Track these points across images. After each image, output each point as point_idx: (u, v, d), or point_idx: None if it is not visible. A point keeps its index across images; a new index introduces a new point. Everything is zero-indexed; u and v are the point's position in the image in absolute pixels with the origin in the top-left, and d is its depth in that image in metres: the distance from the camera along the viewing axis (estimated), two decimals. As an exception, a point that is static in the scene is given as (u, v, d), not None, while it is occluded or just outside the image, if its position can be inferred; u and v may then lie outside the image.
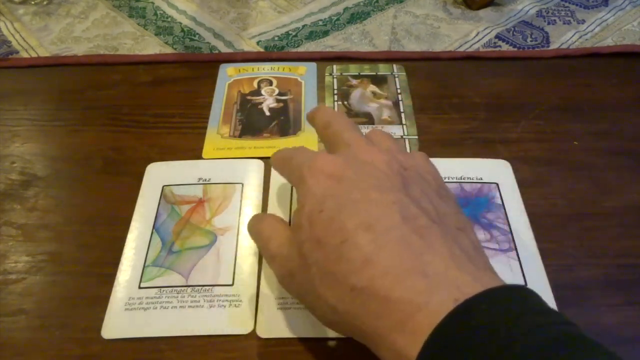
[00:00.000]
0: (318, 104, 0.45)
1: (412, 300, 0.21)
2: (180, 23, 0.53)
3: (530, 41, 0.50)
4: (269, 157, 0.39)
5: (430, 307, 0.20)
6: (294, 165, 0.28)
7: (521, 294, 0.21)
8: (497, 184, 0.38)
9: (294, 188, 0.38)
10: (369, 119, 0.43)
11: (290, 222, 0.36)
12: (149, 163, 0.40)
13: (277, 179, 0.38)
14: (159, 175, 0.39)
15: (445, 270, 0.21)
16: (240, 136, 0.42)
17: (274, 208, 0.37)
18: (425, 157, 0.29)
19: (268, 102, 0.45)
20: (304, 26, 0.52)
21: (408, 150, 0.41)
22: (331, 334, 0.30)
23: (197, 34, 0.52)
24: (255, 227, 0.30)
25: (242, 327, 0.31)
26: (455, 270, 0.21)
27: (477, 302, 0.20)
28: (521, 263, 0.33)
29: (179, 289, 0.32)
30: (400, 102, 0.44)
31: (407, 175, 0.26)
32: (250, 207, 0.37)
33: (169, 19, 0.54)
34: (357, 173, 0.25)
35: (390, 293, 0.21)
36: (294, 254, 0.25)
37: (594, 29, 0.51)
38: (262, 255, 0.29)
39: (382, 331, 0.21)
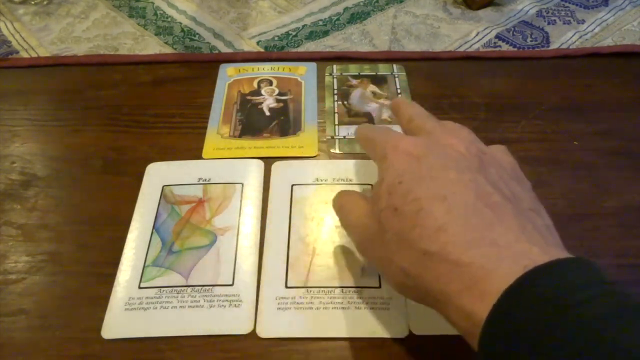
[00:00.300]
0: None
1: (482, 265, 0.22)
2: (180, 23, 0.53)
3: (530, 41, 0.50)
4: (269, 157, 0.40)
5: (500, 271, 0.21)
6: (378, 142, 0.29)
7: (588, 266, 0.21)
8: (497, 184, 0.38)
9: (294, 195, 0.38)
10: (369, 119, 0.43)
11: (289, 222, 0.36)
12: (149, 163, 0.40)
13: (277, 179, 0.38)
14: (159, 175, 0.39)
15: (516, 242, 0.22)
16: (240, 136, 0.42)
17: (274, 208, 0.37)
18: (504, 148, 0.30)
19: (268, 102, 0.45)
20: (304, 26, 0.52)
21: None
22: (330, 334, 0.30)
23: (197, 34, 0.52)
24: (338, 202, 0.32)
25: (242, 327, 0.31)
26: (525, 243, 0.22)
27: (545, 270, 0.20)
28: (521, 263, 0.33)
29: (179, 289, 0.32)
30: (400, 102, 0.44)
31: (485, 159, 0.27)
32: (250, 207, 0.37)
33: (169, 19, 0.54)
34: (437, 154, 0.26)
35: (461, 257, 0.22)
36: (372, 223, 0.27)
37: (594, 29, 0.51)
38: (343, 226, 0.31)
39: (451, 294, 0.22)
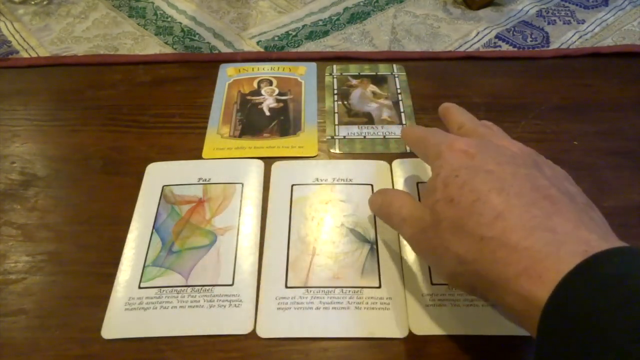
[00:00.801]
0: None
1: (541, 249, 0.22)
2: (180, 23, 0.53)
3: (530, 41, 0.50)
4: (269, 157, 0.40)
5: (560, 255, 0.21)
6: (431, 143, 0.30)
7: None
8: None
9: (294, 195, 0.38)
10: (369, 119, 0.43)
11: (289, 222, 0.36)
12: (149, 163, 0.40)
13: (277, 179, 0.38)
14: (159, 175, 0.39)
15: (574, 229, 0.22)
16: (240, 136, 0.42)
17: (274, 208, 0.37)
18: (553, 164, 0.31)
19: (268, 102, 0.45)
20: (304, 26, 0.52)
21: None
22: (330, 334, 0.30)
23: (197, 34, 0.52)
24: (385, 200, 0.32)
25: (242, 327, 0.31)
26: (584, 231, 0.22)
27: (606, 256, 0.20)
28: (521, 263, 0.33)
29: (179, 289, 0.32)
30: (400, 102, 0.44)
31: (539, 159, 0.28)
32: (250, 207, 0.37)
33: (169, 19, 0.54)
34: (492, 152, 0.27)
35: (520, 242, 0.22)
36: (424, 214, 0.27)
37: (594, 29, 0.51)
38: (392, 222, 0.31)
39: (509, 277, 0.22)
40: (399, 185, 0.38)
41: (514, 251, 0.22)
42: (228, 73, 0.47)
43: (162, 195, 0.37)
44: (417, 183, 0.38)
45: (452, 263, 0.25)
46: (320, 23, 0.53)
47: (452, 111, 0.34)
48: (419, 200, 0.37)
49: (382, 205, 0.32)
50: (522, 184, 0.25)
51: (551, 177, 0.26)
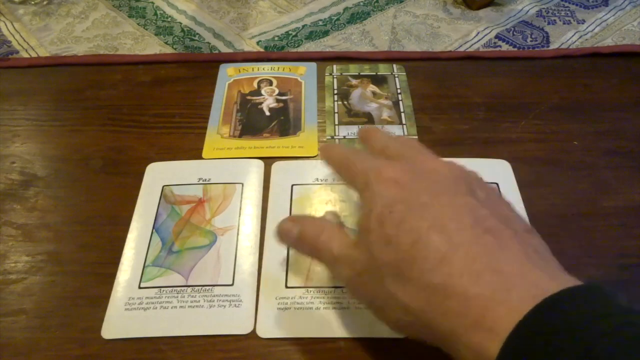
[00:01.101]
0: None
1: (490, 296, 0.21)
2: (180, 23, 0.53)
3: (530, 41, 0.50)
4: (269, 157, 0.40)
5: (509, 303, 0.20)
6: (358, 170, 0.28)
7: (601, 293, 0.20)
8: (497, 184, 0.38)
9: (294, 195, 0.38)
10: (369, 119, 0.43)
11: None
12: (149, 163, 0.40)
13: (277, 179, 0.38)
14: (159, 175, 0.39)
15: (521, 268, 0.21)
16: (240, 136, 0.42)
17: (274, 208, 0.37)
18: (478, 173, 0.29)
19: (268, 102, 0.45)
20: (304, 26, 0.52)
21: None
22: (331, 334, 0.30)
23: (197, 34, 0.52)
24: (308, 231, 0.28)
25: (242, 327, 0.31)
26: (531, 269, 0.21)
27: (558, 300, 0.19)
28: (521, 263, 0.33)
29: (179, 289, 0.32)
30: (400, 102, 0.44)
31: (469, 180, 0.27)
32: (250, 207, 0.37)
33: (169, 19, 0.54)
34: (424, 179, 0.26)
35: (468, 289, 0.21)
36: (360, 256, 0.25)
37: (594, 29, 0.51)
38: (321, 258, 0.28)
39: (459, 329, 0.21)
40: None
41: (463, 300, 0.21)
42: (228, 73, 0.47)
43: (162, 195, 0.37)
44: (417, 183, 0.38)
45: (398, 313, 0.23)
46: (320, 23, 0.53)
47: (372, 133, 0.32)
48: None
49: (302, 237, 0.28)
50: (461, 218, 0.23)
51: (487, 202, 0.25)
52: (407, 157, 0.28)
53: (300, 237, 0.28)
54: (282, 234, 0.29)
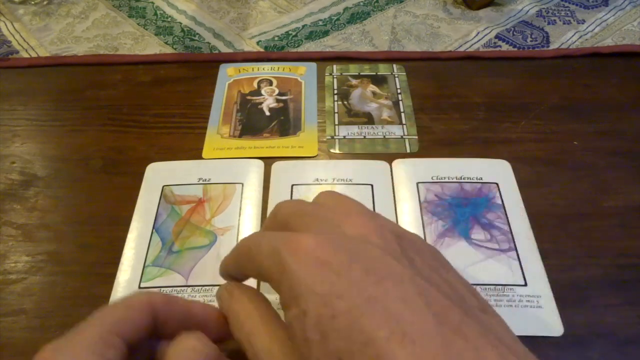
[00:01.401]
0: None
1: None
2: (180, 23, 0.53)
3: (530, 41, 0.50)
4: (269, 157, 0.40)
5: None
6: (263, 250, 0.21)
7: None
8: (497, 184, 0.38)
9: (294, 195, 0.38)
10: (369, 119, 0.43)
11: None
12: (149, 163, 0.40)
13: (277, 179, 0.38)
14: (159, 175, 0.39)
15: None
16: (240, 136, 0.42)
17: (274, 208, 0.37)
18: (413, 234, 0.25)
19: (268, 102, 0.45)
20: (304, 26, 0.52)
21: (409, 149, 0.41)
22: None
23: (197, 34, 0.52)
24: (229, 307, 0.23)
25: (242, 327, 0.31)
26: None
27: None
28: (521, 263, 0.33)
29: (179, 289, 0.32)
30: (400, 102, 0.44)
31: (404, 245, 0.22)
32: (250, 207, 0.37)
33: (169, 19, 0.54)
34: (354, 255, 0.20)
35: None
36: None
37: (594, 29, 0.51)
38: (243, 346, 0.22)
39: None
40: (399, 185, 0.38)
41: None
42: (228, 73, 0.47)
43: (162, 195, 0.37)
44: (417, 183, 0.38)
45: None
46: (320, 23, 0.53)
47: (281, 207, 0.25)
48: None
49: (235, 322, 0.23)
50: (421, 315, 0.18)
51: (430, 274, 0.21)
52: (321, 219, 0.23)
53: (236, 323, 0.23)
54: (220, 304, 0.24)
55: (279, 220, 0.24)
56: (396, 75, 0.47)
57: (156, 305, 0.22)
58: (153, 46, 0.50)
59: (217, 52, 0.50)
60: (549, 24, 0.52)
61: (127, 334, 0.21)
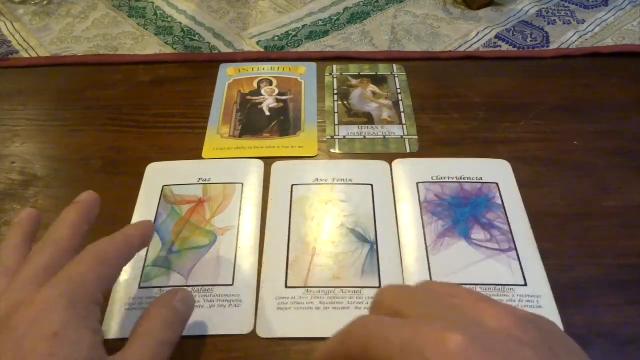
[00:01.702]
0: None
1: None
2: (180, 23, 0.53)
3: (530, 41, 0.50)
4: (269, 157, 0.40)
5: None
6: (393, 345, 0.18)
7: None
8: (497, 184, 0.38)
9: (294, 195, 0.38)
10: (368, 119, 0.43)
11: (289, 222, 0.36)
12: (149, 163, 0.39)
13: (277, 179, 0.38)
14: (159, 175, 0.39)
15: None
16: (240, 136, 0.42)
17: (274, 208, 0.37)
18: (544, 317, 0.21)
19: (268, 102, 0.45)
20: (304, 26, 0.52)
21: (409, 149, 0.41)
22: (330, 334, 0.30)
23: (197, 34, 0.52)
24: None
25: (242, 327, 0.31)
26: None
27: None
28: (521, 263, 0.33)
29: (178, 289, 0.32)
30: (400, 102, 0.44)
31: (549, 339, 0.19)
32: (250, 207, 0.37)
33: (169, 19, 0.54)
34: (498, 356, 0.17)
35: None
36: None
37: (594, 29, 0.51)
38: None
39: None
40: (399, 185, 0.38)
41: None
42: (228, 73, 0.47)
43: (162, 195, 0.37)
44: (417, 183, 0.38)
45: None
46: (320, 23, 0.53)
47: (385, 292, 0.22)
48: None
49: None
50: None
51: None
52: (449, 304, 0.20)
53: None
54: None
55: (385, 307, 0.21)
56: (396, 75, 0.47)
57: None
58: (153, 46, 0.50)
59: (217, 52, 0.50)
60: (549, 24, 0.52)
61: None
